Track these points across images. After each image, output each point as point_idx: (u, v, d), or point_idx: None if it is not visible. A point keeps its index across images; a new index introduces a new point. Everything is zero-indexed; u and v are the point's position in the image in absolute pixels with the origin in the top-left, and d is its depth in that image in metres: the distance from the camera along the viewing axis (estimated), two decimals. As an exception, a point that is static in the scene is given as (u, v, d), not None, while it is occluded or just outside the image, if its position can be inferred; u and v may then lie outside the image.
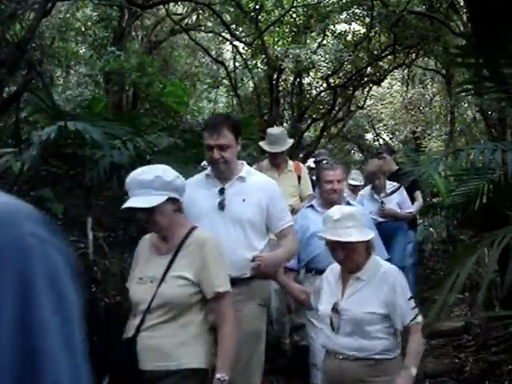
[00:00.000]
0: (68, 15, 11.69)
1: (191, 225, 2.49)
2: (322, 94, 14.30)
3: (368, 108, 17.06)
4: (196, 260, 2.33)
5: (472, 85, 3.61)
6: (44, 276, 0.67)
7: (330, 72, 12.76)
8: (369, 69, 13.34)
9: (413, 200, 5.74)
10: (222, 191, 2.86)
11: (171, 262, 2.34)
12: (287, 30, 13.17)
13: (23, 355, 0.64)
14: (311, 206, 3.89)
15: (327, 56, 11.87)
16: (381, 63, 13.40)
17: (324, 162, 5.25)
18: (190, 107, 11.96)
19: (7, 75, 7.43)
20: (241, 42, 13.24)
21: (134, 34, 13.11)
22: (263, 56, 12.82)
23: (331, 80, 13.30)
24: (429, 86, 16.80)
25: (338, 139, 17.53)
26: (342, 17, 12.16)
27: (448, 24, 11.03)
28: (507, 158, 3.12)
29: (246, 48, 13.63)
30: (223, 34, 13.76)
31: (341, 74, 13.34)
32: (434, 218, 8.00)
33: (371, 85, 14.57)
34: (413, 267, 5.93)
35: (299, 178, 4.91)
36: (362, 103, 15.83)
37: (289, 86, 14.12)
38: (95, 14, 11.44)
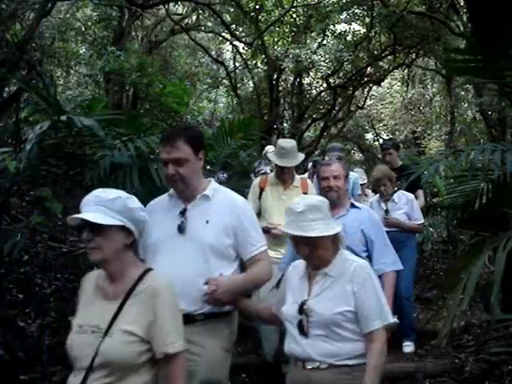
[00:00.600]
0: (68, 15, 11.71)
1: (145, 266, 2.16)
2: (322, 94, 14.31)
3: (368, 108, 17.08)
4: (147, 312, 1.99)
5: (472, 85, 3.61)
6: None
7: (329, 72, 12.76)
8: (369, 69, 13.35)
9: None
10: (183, 212, 2.50)
11: (119, 310, 1.99)
12: (287, 30, 13.19)
13: None
14: None
15: (327, 56, 11.89)
16: (381, 63, 13.41)
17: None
18: (190, 107, 11.97)
19: (7, 75, 7.43)
20: (241, 41, 13.25)
21: (133, 34, 13.13)
22: (263, 56, 12.84)
23: (331, 80, 13.31)
24: (429, 86, 16.82)
25: (338, 139, 17.54)
26: (342, 17, 12.17)
27: (448, 24, 11.05)
28: (507, 159, 3.12)
29: (246, 48, 13.64)
30: (223, 34, 13.77)
31: (341, 74, 13.35)
32: (434, 218, 8.00)
33: (371, 85, 14.58)
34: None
35: (305, 195, 4.46)
36: (362, 103, 15.84)
37: (289, 85, 14.13)
38: (95, 13, 11.46)
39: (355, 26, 12.86)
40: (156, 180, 3.63)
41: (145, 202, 2.41)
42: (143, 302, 2.00)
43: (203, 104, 15.68)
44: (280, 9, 12.42)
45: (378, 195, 5.16)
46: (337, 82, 13.57)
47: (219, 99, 17.18)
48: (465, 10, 10.20)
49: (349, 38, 12.52)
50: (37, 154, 3.53)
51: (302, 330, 2.28)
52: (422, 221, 5.17)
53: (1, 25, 7.75)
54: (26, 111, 4.85)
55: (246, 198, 4.05)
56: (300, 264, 2.45)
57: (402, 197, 5.02)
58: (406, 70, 15.18)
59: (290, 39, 13.08)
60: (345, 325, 2.25)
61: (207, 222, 2.47)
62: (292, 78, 13.89)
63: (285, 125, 14.49)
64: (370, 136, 18.89)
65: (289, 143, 4.57)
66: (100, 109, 5.48)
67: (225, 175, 6.44)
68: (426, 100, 15.91)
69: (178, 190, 2.52)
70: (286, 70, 12.33)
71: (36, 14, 8.52)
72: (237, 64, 14.77)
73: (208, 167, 5.53)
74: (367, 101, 16.28)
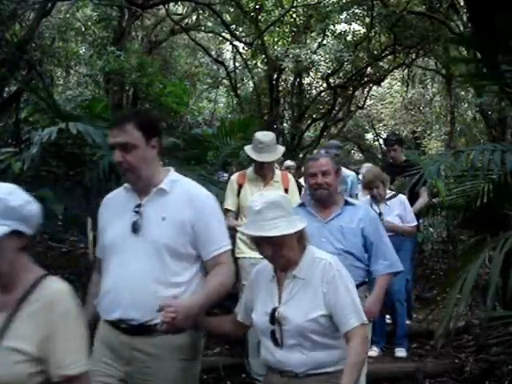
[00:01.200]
0: (68, 15, 11.71)
1: (40, 271, 1.75)
2: (322, 94, 14.32)
3: (368, 108, 17.09)
4: (42, 325, 1.63)
5: (471, 80, 3.60)
6: None
7: (329, 72, 12.78)
8: (369, 69, 13.36)
9: (417, 196, 5.44)
10: (138, 208, 2.22)
11: (7, 323, 1.63)
12: (287, 30, 13.20)
13: None
14: (303, 204, 3.23)
15: (327, 56, 11.90)
16: (381, 63, 13.42)
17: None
18: (190, 107, 11.98)
19: (7, 75, 7.43)
20: (241, 41, 13.26)
21: (133, 33, 13.14)
22: (263, 56, 12.84)
23: (331, 80, 13.32)
24: (429, 86, 16.83)
25: (338, 139, 17.55)
26: (342, 17, 12.18)
27: (448, 24, 11.05)
28: (507, 159, 3.13)
29: (245, 48, 13.65)
30: (223, 34, 13.78)
31: (341, 74, 13.37)
32: (434, 218, 7.99)
33: (371, 85, 14.60)
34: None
35: (286, 191, 4.20)
36: (362, 103, 15.86)
37: (289, 86, 14.14)
38: (95, 13, 11.46)
39: (355, 26, 12.89)
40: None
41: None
42: (37, 313, 1.64)
43: (203, 104, 15.70)
44: (280, 9, 12.43)
45: (368, 197, 4.88)
46: (337, 82, 13.58)
47: (219, 99, 17.20)
48: (465, 10, 10.21)
49: (349, 38, 12.54)
50: (39, 155, 3.54)
51: (276, 342, 2.11)
52: (416, 223, 4.98)
53: (1, 25, 7.76)
54: (26, 111, 4.87)
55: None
56: (267, 266, 2.23)
57: (394, 198, 4.82)
58: (405, 70, 15.20)
59: (290, 39, 13.09)
60: (321, 331, 2.09)
61: (163, 218, 2.18)
62: (292, 78, 13.90)
63: (285, 125, 14.51)
64: (370, 136, 18.92)
65: (267, 136, 4.20)
66: (100, 109, 5.49)
67: (225, 175, 6.45)
68: (426, 100, 15.91)
69: (130, 181, 2.25)
70: (286, 69, 12.34)
71: (36, 14, 8.53)
72: (237, 64, 14.78)
73: (208, 167, 5.54)
74: (367, 101, 16.30)
